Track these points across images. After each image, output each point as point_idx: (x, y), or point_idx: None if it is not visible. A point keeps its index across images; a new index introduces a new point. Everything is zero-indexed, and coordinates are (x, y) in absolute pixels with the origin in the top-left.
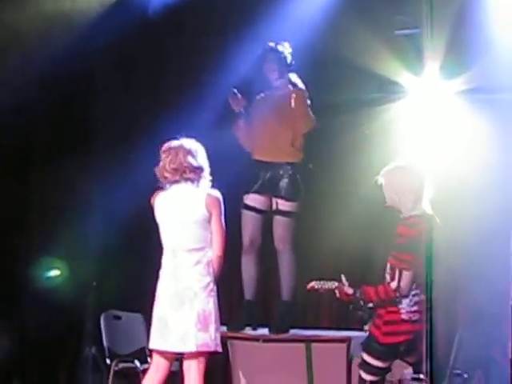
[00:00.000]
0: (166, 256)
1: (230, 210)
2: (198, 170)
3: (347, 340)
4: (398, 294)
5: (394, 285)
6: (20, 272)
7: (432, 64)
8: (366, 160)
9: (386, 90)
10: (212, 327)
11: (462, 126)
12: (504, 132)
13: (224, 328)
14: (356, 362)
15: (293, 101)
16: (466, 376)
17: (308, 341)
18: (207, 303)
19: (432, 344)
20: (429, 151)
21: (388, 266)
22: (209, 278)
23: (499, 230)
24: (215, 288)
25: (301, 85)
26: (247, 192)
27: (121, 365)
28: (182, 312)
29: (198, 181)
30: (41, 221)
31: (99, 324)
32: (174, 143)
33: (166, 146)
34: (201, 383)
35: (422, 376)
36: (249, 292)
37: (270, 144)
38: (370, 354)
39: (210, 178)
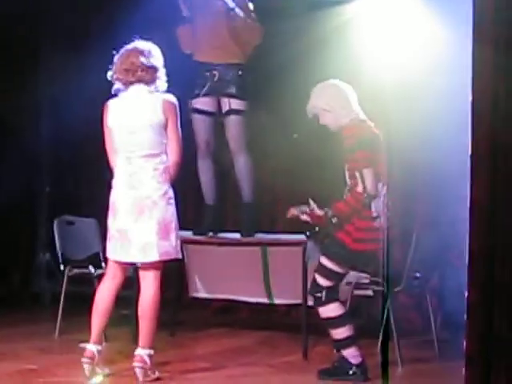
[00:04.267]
0: (120, 163)
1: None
2: (151, 69)
3: (303, 243)
4: (365, 195)
5: (359, 189)
6: None
7: None
8: (320, 64)
9: None
10: (173, 235)
11: (417, 25)
12: (459, 30)
13: (189, 233)
14: (312, 265)
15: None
16: (421, 277)
17: (264, 244)
18: (166, 211)
19: (389, 246)
20: (384, 52)
21: (347, 174)
22: (166, 186)
23: (454, 127)
24: (173, 195)
25: None
26: (196, 96)
27: (75, 270)
28: (141, 222)
29: (153, 82)
30: None
31: (53, 230)
32: (128, 45)
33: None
34: (158, 288)
35: (379, 279)
36: (208, 196)
37: (212, 45)
38: (331, 258)
39: (166, 78)
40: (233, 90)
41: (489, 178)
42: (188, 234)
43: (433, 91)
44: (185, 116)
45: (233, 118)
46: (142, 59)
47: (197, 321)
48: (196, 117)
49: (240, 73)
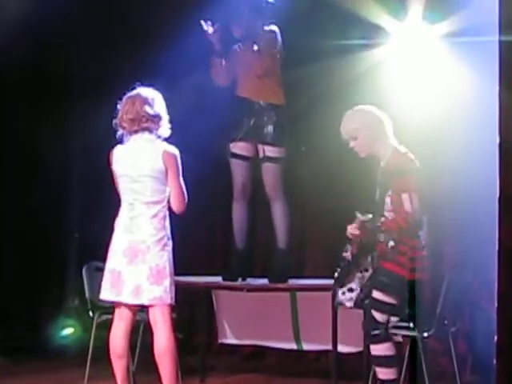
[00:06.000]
0: (123, 208)
1: (219, 158)
2: (156, 118)
3: (332, 288)
4: (410, 219)
5: (407, 208)
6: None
7: (415, 8)
8: (349, 105)
9: (369, 35)
10: (166, 281)
11: (444, 69)
12: (485, 74)
13: (218, 278)
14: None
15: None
16: (450, 321)
17: (293, 289)
18: (161, 257)
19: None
20: (412, 95)
21: (388, 199)
22: (163, 233)
23: (483, 173)
24: (170, 242)
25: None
26: (233, 140)
27: (104, 317)
28: (134, 265)
29: (157, 129)
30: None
31: (82, 276)
32: (131, 93)
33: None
34: (169, 330)
35: (409, 324)
36: (239, 241)
37: (253, 82)
38: (386, 292)
39: (169, 125)
40: (269, 137)
41: None
42: (217, 280)
43: (459, 134)
44: (221, 158)
45: (269, 165)
46: (147, 108)
47: (226, 367)
48: (233, 161)
49: (275, 118)
